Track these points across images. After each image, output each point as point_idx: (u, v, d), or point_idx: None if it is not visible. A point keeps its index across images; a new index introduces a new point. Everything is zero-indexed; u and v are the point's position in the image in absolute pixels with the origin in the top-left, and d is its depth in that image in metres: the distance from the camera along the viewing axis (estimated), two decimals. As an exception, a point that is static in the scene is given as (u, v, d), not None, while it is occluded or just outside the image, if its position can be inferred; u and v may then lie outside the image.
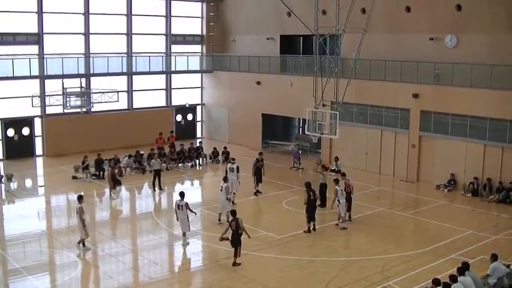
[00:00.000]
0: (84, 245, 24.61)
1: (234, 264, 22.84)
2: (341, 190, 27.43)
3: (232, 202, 31.47)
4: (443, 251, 24.22)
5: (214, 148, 43.07)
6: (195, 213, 26.25)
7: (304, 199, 26.98)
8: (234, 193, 31.94)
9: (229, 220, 23.53)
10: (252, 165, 33.58)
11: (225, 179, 29.00)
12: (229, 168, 32.68)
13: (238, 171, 32.38)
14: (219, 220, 28.05)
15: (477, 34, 34.79)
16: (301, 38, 47.73)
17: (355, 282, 21.16)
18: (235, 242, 22.93)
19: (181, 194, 25.42)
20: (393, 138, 37.96)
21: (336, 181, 27.89)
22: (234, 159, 34.26)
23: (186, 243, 25.03)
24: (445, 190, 34.57)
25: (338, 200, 27.37)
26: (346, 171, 36.28)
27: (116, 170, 36.89)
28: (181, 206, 24.94)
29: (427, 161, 36.39)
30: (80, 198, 25.20)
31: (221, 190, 28.12)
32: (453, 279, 17.49)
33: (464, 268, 18.20)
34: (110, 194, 33.18)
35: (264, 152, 43.34)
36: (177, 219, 25.44)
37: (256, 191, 33.20)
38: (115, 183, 33.38)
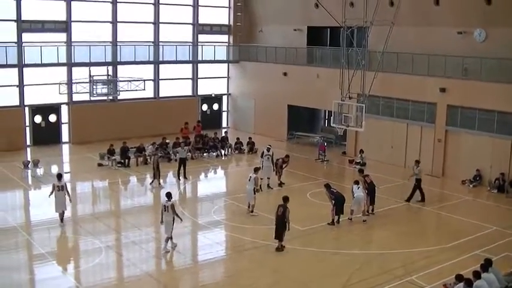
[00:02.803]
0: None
1: (281, 247, 23.41)
2: (358, 188, 27.37)
3: (268, 185, 32.59)
4: (466, 247, 24.04)
5: (238, 138, 43.10)
6: (181, 219, 24.00)
7: (328, 198, 27.03)
8: (269, 178, 32.69)
9: (279, 204, 23.78)
10: (277, 164, 33.53)
11: (256, 170, 29.09)
12: (265, 155, 33.03)
13: (273, 158, 33.21)
14: (248, 208, 28.17)
15: (507, 28, 34.30)
16: (329, 29, 47.45)
17: (378, 276, 21.11)
18: (280, 227, 23.28)
19: (168, 195, 23.72)
20: (419, 132, 37.69)
21: (356, 182, 27.82)
22: (270, 146, 34.41)
23: (174, 246, 23.49)
24: (471, 186, 34.28)
25: (353, 195, 27.29)
26: (371, 164, 36.69)
27: (141, 159, 37.24)
28: (167, 207, 23.22)
29: (452, 156, 36.08)
30: (60, 176, 26.70)
31: (249, 180, 28.18)
32: (477, 275, 17.38)
33: (487, 265, 18.07)
34: (159, 184, 33.08)
35: (288, 144, 43.60)
36: (161, 222, 23.55)
37: (280, 183, 33.23)
38: (158, 171, 33.30)
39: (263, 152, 33.73)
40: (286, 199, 23.88)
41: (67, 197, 26.29)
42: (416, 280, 20.71)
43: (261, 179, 31.83)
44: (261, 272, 21.61)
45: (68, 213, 27.88)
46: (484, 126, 34.33)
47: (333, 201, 26.67)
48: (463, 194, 32.98)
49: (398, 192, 32.54)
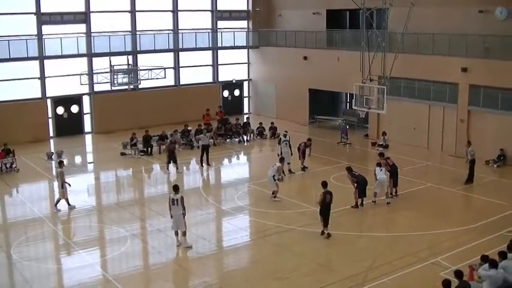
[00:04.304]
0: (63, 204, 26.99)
1: (328, 234, 23.18)
2: (380, 170, 27.24)
3: (289, 170, 32.42)
4: (492, 228, 23.86)
5: (260, 123, 42.99)
6: (184, 213, 22.60)
7: (351, 181, 26.95)
8: (289, 163, 32.47)
9: (322, 192, 23.44)
10: (299, 148, 33.48)
11: (281, 160, 29.15)
12: (283, 141, 32.98)
13: (290, 143, 33.08)
14: (272, 193, 28.06)
15: (528, 6, 33.99)
16: (348, 12, 47.11)
17: (403, 258, 21.08)
18: (326, 213, 23.18)
19: (175, 188, 22.79)
20: (441, 113, 37.42)
21: (379, 164, 27.71)
22: (286, 131, 34.40)
23: (188, 246, 22.59)
24: (495, 166, 34.00)
25: (375, 177, 27.18)
26: (393, 146, 36.56)
27: (164, 147, 37.34)
28: (176, 200, 22.30)
29: (476, 136, 35.65)
30: (61, 163, 27.77)
31: (272, 167, 28.02)
32: (502, 255, 17.27)
33: (513, 245, 17.96)
34: (167, 168, 33.51)
35: (311, 127, 43.56)
36: (171, 217, 22.70)
37: (304, 167, 33.22)
38: (172, 159, 33.49)
39: (280, 139, 33.76)
40: (325, 184, 23.72)
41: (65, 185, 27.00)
42: (442, 261, 20.63)
43: (289, 163, 32.08)
44: (286, 256, 21.65)
45: (92, 203, 28.30)
46: (507, 106, 33.97)
47: (355, 184, 26.64)
48: (487, 174, 32.64)
49: (422, 174, 32.42)
